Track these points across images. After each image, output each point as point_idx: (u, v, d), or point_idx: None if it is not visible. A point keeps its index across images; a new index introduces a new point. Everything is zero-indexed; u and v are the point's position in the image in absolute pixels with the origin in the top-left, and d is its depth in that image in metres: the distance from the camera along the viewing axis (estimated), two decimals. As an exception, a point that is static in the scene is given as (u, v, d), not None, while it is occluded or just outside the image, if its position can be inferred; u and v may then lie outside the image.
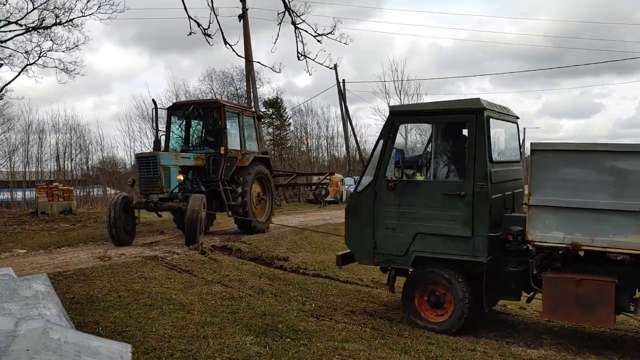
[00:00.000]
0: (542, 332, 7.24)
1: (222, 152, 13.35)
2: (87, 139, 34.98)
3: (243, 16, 25.70)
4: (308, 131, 52.77)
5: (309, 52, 8.68)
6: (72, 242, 13.53)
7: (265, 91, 50.88)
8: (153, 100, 14.14)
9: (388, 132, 7.26)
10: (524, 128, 42.24)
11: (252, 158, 13.98)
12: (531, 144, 6.48)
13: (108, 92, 61.65)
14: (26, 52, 21.42)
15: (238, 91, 40.25)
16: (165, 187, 12.23)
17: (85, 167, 34.43)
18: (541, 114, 59.56)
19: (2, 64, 21.06)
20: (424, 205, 6.97)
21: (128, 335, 6.21)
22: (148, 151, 16.16)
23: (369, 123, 63.04)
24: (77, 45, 21.82)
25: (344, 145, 45.26)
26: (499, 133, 7.67)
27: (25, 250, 12.39)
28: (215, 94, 41.03)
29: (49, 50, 21.34)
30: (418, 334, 6.91)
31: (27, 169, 31.93)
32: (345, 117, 42.07)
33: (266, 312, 7.48)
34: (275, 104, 49.37)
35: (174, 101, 23.57)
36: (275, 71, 10.87)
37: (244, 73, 29.83)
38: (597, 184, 5.98)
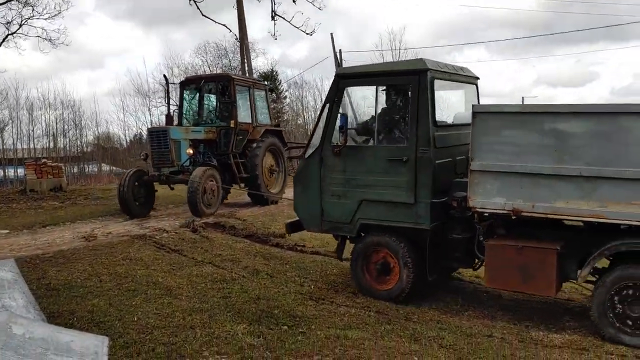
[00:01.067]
0: (563, 313, 6.63)
1: (232, 125, 13.39)
2: (81, 114, 34.16)
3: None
4: (304, 104, 51.88)
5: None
6: (59, 220, 12.83)
7: (259, 63, 49.81)
8: (164, 76, 14.66)
9: (334, 95, 7.01)
10: (522, 97, 41.32)
11: (264, 131, 14.07)
12: (472, 106, 6.20)
13: (101, 67, 60.30)
14: (8, 22, 20.45)
15: (232, 63, 39.12)
16: (177, 161, 12.52)
17: (79, 143, 33.59)
18: (537, 84, 58.41)
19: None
20: (369, 172, 6.79)
21: (106, 326, 5.60)
22: (160, 126, 17.07)
23: (367, 95, 61.67)
24: (60, 12, 20.81)
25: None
26: (453, 95, 7.51)
27: (7, 231, 11.69)
28: (209, 67, 40.01)
29: (29, 18, 20.33)
30: (427, 318, 6.30)
31: (20, 146, 31.12)
32: None
33: (261, 296, 6.86)
34: (270, 76, 48.27)
35: (164, 74, 23.01)
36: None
37: (238, 44, 28.86)
38: (538, 147, 5.74)
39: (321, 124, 7.16)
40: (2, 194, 19.36)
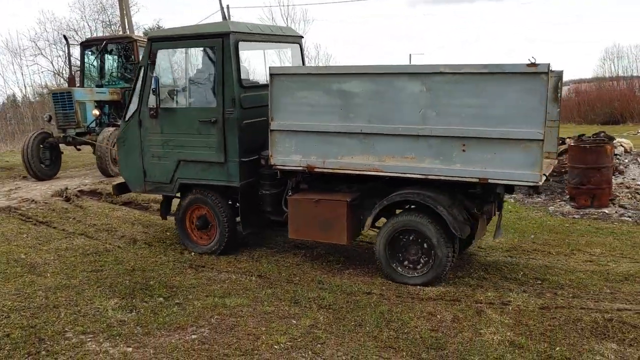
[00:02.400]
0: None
1: None
2: None
3: None
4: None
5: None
6: None
7: (141, 19, 47.00)
8: (64, 37, 14.82)
9: (147, 58, 7.09)
10: (409, 54, 42.34)
11: None
12: (269, 68, 6.39)
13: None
14: None
15: (111, 19, 36.66)
16: (82, 122, 12.53)
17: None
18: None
19: None
20: (184, 133, 7.00)
21: (-47, 313, 5.03)
22: (63, 87, 16.18)
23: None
24: None
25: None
26: (275, 54, 7.83)
27: None
28: (88, 23, 37.27)
29: None
30: (309, 279, 6.25)
31: None
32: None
33: (136, 267, 6.52)
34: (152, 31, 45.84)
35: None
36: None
37: (117, -3, 26.99)
38: (327, 107, 6.08)
39: (138, 87, 7.20)
40: None
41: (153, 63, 7.03)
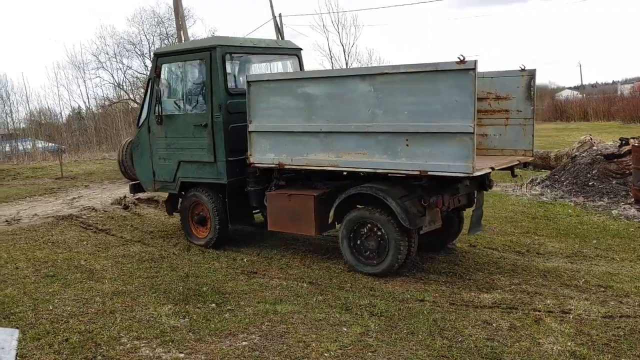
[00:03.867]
0: (494, 272, 6.62)
1: None
2: (8, 89, 32.31)
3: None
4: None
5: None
6: None
7: (197, 30, 48.07)
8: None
9: (154, 71, 7.90)
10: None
11: None
12: (247, 76, 7.11)
13: (34, 40, 57.05)
14: None
15: (168, 31, 37.69)
16: None
17: (9, 120, 31.84)
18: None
19: None
20: (182, 136, 7.73)
21: (17, 317, 5.25)
22: None
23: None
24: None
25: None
26: (275, 66, 8.75)
27: None
28: (146, 36, 38.47)
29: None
30: (361, 286, 6.18)
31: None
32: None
33: (190, 274, 6.62)
34: None
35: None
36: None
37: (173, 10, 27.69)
38: (294, 109, 6.59)
39: (147, 98, 8.04)
40: None
41: (158, 75, 7.84)
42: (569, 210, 9.51)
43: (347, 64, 46.06)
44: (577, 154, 12.42)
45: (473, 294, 5.83)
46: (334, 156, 6.42)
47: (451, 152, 5.58)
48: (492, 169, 6.17)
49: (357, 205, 6.67)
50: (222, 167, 7.41)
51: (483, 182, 6.76)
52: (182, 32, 25.67)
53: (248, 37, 8.07)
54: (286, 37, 39.69)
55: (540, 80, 45.96)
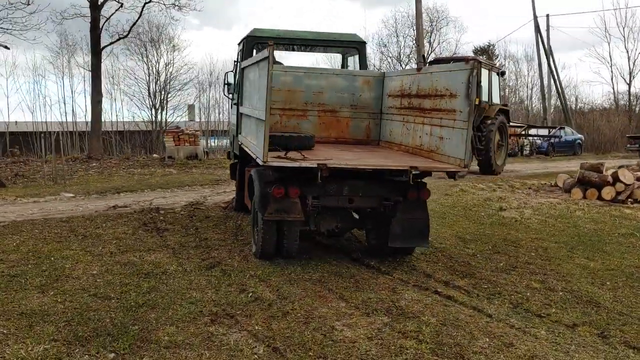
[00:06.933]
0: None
1: (476, 102, 15.06)
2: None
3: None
4: (520, 79, 47.56)
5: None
6: (142, 187, 13.10)
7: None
8: (422, 56, 19.64)
9: (238, 61, 8.72)
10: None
11: (497, 109, 16.39)
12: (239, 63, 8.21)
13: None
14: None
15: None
16: None
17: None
18: None
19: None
20: (236, 117, 8.36)
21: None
22: None
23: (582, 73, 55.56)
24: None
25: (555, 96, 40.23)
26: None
27: (72, 194, 11.76)
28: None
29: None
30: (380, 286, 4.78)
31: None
32: (549, 66, 36.92)
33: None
34: (486, 51, 44.20)
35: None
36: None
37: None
38: (251, 94, 6.94)
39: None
40: (143, 160, 20.28)
41: (235, 67, 8.81)
42: None
43: (630, 74, 42.02)
44: None
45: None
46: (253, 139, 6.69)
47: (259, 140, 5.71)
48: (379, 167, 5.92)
49: None
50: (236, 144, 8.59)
51: (407, 188, 5.99)
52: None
53: (292, 30, 8.62)
54: (552, 42, 37.16)
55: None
